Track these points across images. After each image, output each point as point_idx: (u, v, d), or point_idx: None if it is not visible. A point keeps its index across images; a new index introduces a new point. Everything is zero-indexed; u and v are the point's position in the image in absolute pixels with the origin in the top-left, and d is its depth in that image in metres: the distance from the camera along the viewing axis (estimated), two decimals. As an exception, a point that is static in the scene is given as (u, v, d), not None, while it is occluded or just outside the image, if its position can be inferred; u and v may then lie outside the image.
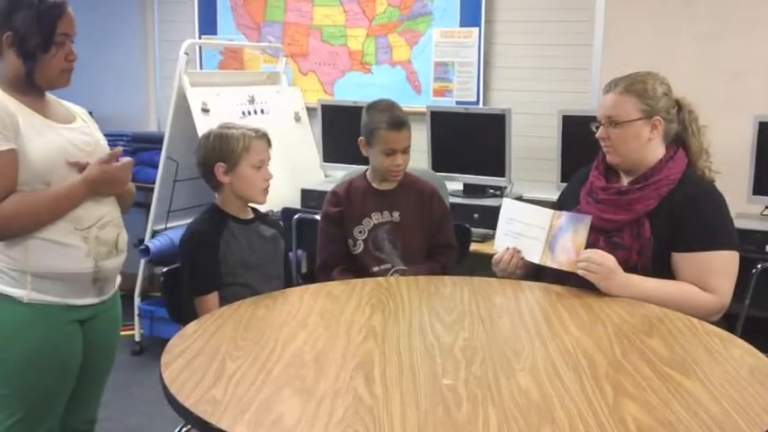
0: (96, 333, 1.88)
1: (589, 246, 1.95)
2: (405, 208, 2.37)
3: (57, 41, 1.75)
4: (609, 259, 1.89)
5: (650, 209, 1.95)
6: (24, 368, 1.75)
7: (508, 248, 2.08)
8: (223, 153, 2.05)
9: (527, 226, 2.06)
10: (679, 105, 2.03)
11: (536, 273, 2.09)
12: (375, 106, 2.35)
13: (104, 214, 1.82)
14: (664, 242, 1.92)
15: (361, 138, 2.35)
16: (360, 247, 2.33)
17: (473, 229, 2.88)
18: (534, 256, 2.04)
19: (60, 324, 1.79)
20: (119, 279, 1.98)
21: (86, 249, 1.78)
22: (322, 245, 2.39)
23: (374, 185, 2.39)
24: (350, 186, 2.41)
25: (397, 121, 2.29)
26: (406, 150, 2.32)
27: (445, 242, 2.42)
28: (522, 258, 2.06)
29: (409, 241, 2.35)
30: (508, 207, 2.15)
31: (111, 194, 1.86)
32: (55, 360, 1.79)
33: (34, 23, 1.72)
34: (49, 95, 1.88)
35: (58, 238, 1.74)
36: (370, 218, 2.35)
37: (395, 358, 1.47)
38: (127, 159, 1.88)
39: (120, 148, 1.87)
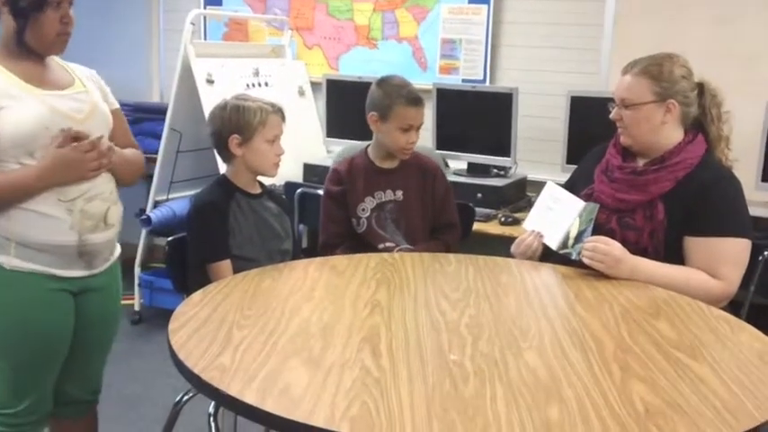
0: (91, 306, 1.86)
1: (601, 225, 1.94)
2: (408, 187, 2.33)
3: (50, 2, 1.69)
4: (615, 247, 1.87)
5: (665, 191, 1.93)
6: (6, 335, 1.73)
7: (533, 231, 2.05)
8: (239, 125, 2.03)
9: (559, 213, 2.03)
10: (701, 89, 2.00)
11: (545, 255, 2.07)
12: (389, 81, 2.31)
13: (91, 187, 1.76)
14: (677, 225, 1.91)
15: (373, 113, 2.29)
16: (363, 226, 2.30)
17: (476, 209, 2.87)
18: (553, 242, 2.01)
19: (44, 293, 1.75)
20: (118, 251, 1.93)
21: (70, 222, 1.73)
22: (324, 224, 2.35)
23: (376, 163, 2.35)
24: (351, 164, 2.36)
25: (416, 97, 2.27)
26: (419, 127, 2.30)
27: (448, 221, 2.40)
28: (541, 242, 2.03)
29: (412, 220, 2.32)
30: (550, 191, 2.11)
31: (79, 181, 1.73)
32: (39, 329, 1.76)
33: None
34: (54, 59, 1.82)
35: (40, 208, 1.70)
36: (373, 197, 2.32)
37: (401, 333, 1.46)
38: (89, 139, 1.73)
39: (71, 128, 1.72)
